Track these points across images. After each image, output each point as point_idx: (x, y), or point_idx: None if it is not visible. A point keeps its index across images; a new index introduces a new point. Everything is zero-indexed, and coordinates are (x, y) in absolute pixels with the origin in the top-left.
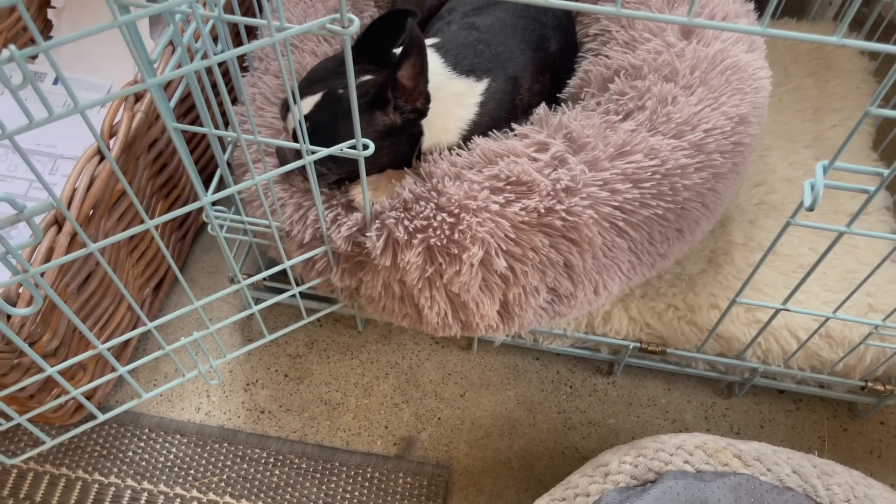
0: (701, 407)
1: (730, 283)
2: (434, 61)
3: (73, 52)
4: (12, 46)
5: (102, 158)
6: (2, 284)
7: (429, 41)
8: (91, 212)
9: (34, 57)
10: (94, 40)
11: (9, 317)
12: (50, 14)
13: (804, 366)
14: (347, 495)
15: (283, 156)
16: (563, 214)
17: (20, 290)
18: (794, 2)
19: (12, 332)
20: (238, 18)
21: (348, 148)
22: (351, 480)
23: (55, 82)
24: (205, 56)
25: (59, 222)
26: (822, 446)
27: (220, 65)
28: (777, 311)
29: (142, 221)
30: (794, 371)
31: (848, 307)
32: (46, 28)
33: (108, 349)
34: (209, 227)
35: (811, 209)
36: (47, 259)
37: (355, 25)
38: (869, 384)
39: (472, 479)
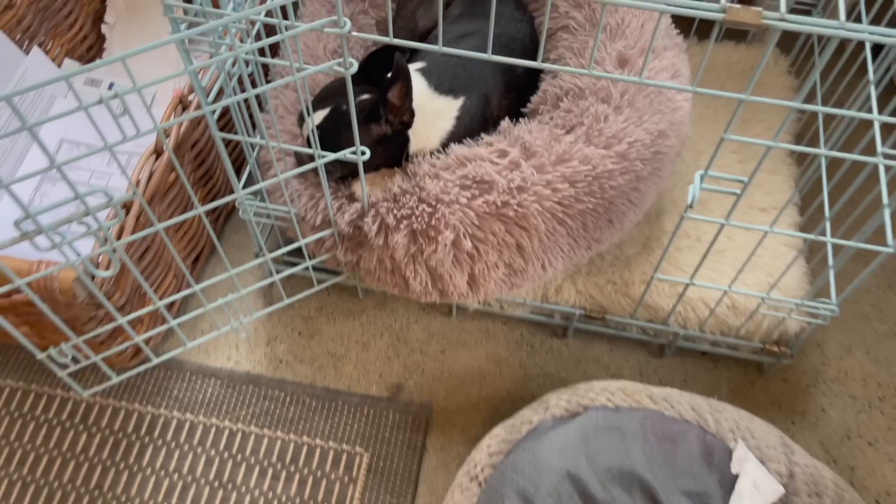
0: (637, 364)
1: (653, 265)
2: (420, 83)
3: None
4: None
5: (158, 156)
6: (93, 253)
7: (416, 65)
8: (150, 198)
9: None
10: (143, 53)
11: (92, 277)
12: (103, 29)
13: (715, 331)
14: (348, 428)
15: (299, 157)
16: (516, 207)
17: (100, 259)
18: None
19: (97, 289)
20: (269, 60)
21: (350, 153)
22: (351, 416)
23: (109, 87)
24: (240, 80)
25: (127, 207)
26: (732, 397)
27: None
28: (687, 286)
29: (186, 206)
30: (707, 335)
31: (752, 284)
32: (100, 41)
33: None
34: (240, 212)
35: (691, 206)
36: (118, 236)
37: (354, 67)
38: (766, 346)
39: (448, 416)
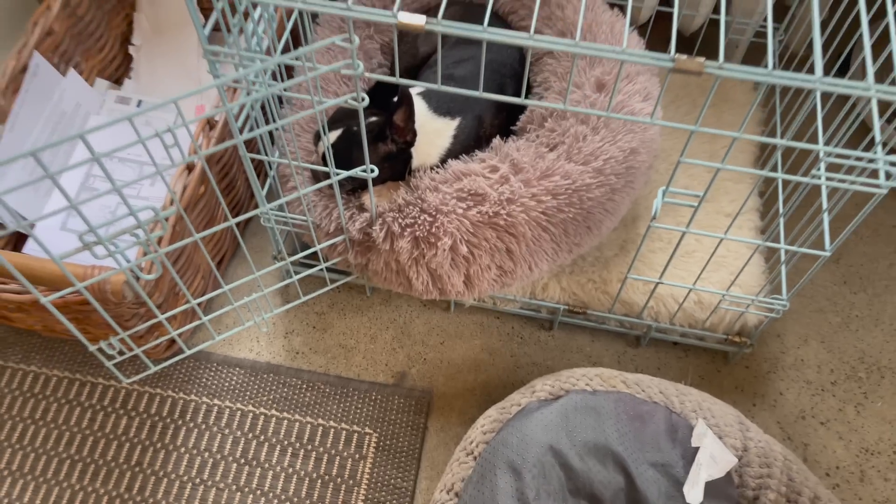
0: (615, 354)
1: (634, 264)
2: (420, 105)
3: (150, 80)
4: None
5: (190, 171)
6: (142, 259)
7: (417, 89)
8: (184, 208)
9: (120, 84)
10: (167, 72)
11: (137, 279)
12: (131, 49)
13: (684, 323)
14: (358, 411)
15: (315, 172)
16: (506, 217)
17: (142, 264)
18: (708, 46)
19: (142, 290)
20: (294, 95)
21: (361, 171)
22: (361, 401)
23: (138, 104)
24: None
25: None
26: (700, 382)
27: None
28: (656, 285)
29: (213, 212)
30: (677, 327)
31: (717, 282)
32: (126, 61)
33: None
34: (261, 219)
35: (654, 217)
36: (160, 243)
37: (366, 102)
38: (729, 337)
39: (447, 401)
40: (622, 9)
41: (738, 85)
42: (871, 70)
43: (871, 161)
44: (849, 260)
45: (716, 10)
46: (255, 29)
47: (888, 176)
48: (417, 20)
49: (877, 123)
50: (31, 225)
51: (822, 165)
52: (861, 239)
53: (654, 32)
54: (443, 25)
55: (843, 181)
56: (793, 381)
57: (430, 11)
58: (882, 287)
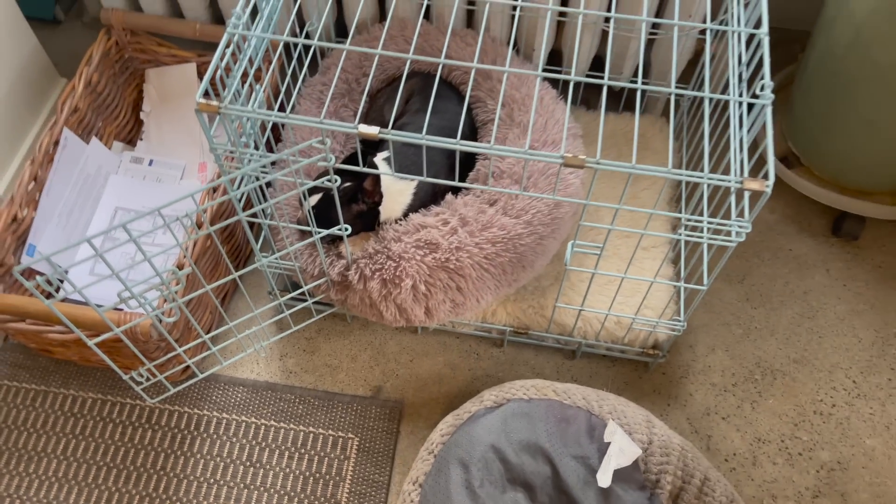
0: (555, 365)
1: (565, 293)
2: (385, 170)
3: (159, 141)
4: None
5: (199, 227)
6: (165, 308)
7: (382, 154)
8: (195, 259)
9: (133, 145)
10: (173, 134)
11: (159, 321)
12: (142, 115)
13: (608, 340)
14: (342, 419)
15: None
16: (455, 262)
17: (163, 310)
18: (630, 99)
19: (165, 330)
20: (288, 179)
21: (336, 229)
22: (344, 411)
23: (150, 163)
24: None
25: (180, 266)
26: (625, 388)
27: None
28: (580, 311)
29: (218, 259)
30: (603, 343)
31: (633, 305)
32: (138, 125)
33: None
34: (258, 264)
35: (566, 265)
36: (177, 290)
37: (338, 182)
38: (645, 350)
39: (415, 409)
40: (553, 83)
41: (657, 133)
42: (706, 163)
43: (722, 224)
44: (751, 280)
45: (636, 73)
46: (246, 129)
47: (737, 234)
48: (372, 130)
49: (733, 200)
50: (66, 272)
51: (683, 227)
52: (762, 262)
53: (587, 88)
54: (392, 134)
55: (700, 237)
56: (701, 384)
57: (395, 80)
58: (778, 302)
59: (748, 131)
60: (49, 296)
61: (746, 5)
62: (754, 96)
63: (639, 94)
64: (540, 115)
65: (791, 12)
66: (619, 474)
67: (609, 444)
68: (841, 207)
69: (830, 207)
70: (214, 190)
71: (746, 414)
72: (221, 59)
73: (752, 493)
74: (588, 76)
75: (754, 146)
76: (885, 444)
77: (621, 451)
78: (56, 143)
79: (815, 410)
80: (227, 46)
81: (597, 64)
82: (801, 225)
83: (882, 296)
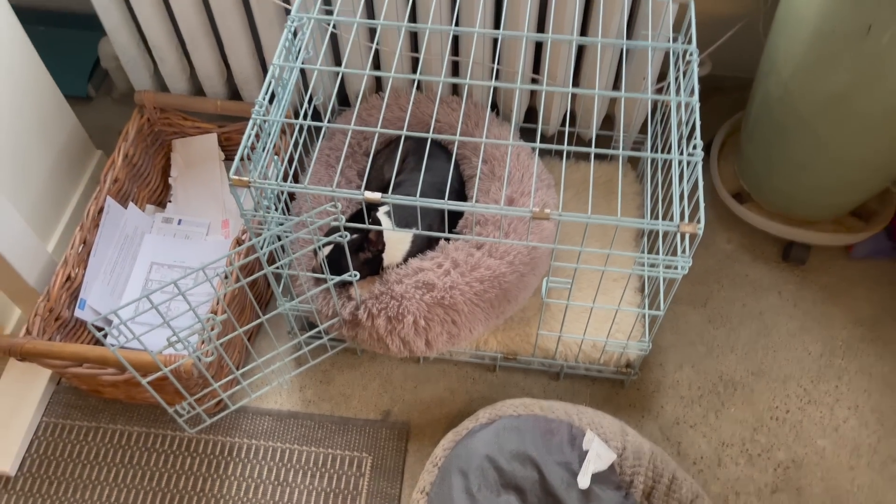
0: (542, 386)
1: (546, 321)
2: (386, 222)
3: (185, 203)
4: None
5: (227, 277)
6: (203, 350)
7: (384, 208)
8: (228, 304)
9: (164, 207)
10: (198, 196)
11: (199, 359)
12: (170, 180)
13: (586, 361)
14: (357, 441)
15: (316, 272)
16: (449, 299)
17: (202, 351)
18: (599, 143)
19: (204, 368)
20: (306, 236)
21: (347, 276)
22: (358, 433)
23: (179, 223)
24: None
25: (214, 311)
26: (604, 403)
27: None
28: (559, 338)
29: (245, 303)
30: (582, 364)
31: (605, 330)
32: (166, 189)
33: (238, 375)
34: (280, 309)
35: (544, 296)
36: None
37: (347, 237)
38: (619, 369)
39: (420, 430)
40: (531, 132)
41: (623, 178)
42: (660, 209)
43: (671, 260)
44: (713, 304)
45: (605, 125)
46: (267, 194)
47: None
48: (375, 196)
49: (678, 240)
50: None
51: (636, 263)
52: (722, 287)
53: (559, 140)
54: (392, 197)
55: (650, 271)
56: (671, 397)
57: (393, 142)
58: (736, 322)
59: (687, 182)
60: (101, 344)
61: (684, 74)
62: (690, 154)
63: (592, 157)
64: (517, 169)
65: (745, 62)
66: (597, 477)
67: (587, 451)
68: (789, 237)
69: (779, 237)
70: (240, 243)
71: (711, 422)
72: (248, 140)
73: (718, 490)
74: (560, 131)
75: (708, 190)
76: (835, 443)
77: (598, 457)
78: (100, 210)
79: (772, 416)
80: (252, 128)
81: (571, 116)
82: (755, 253)
83: (828, 313)
